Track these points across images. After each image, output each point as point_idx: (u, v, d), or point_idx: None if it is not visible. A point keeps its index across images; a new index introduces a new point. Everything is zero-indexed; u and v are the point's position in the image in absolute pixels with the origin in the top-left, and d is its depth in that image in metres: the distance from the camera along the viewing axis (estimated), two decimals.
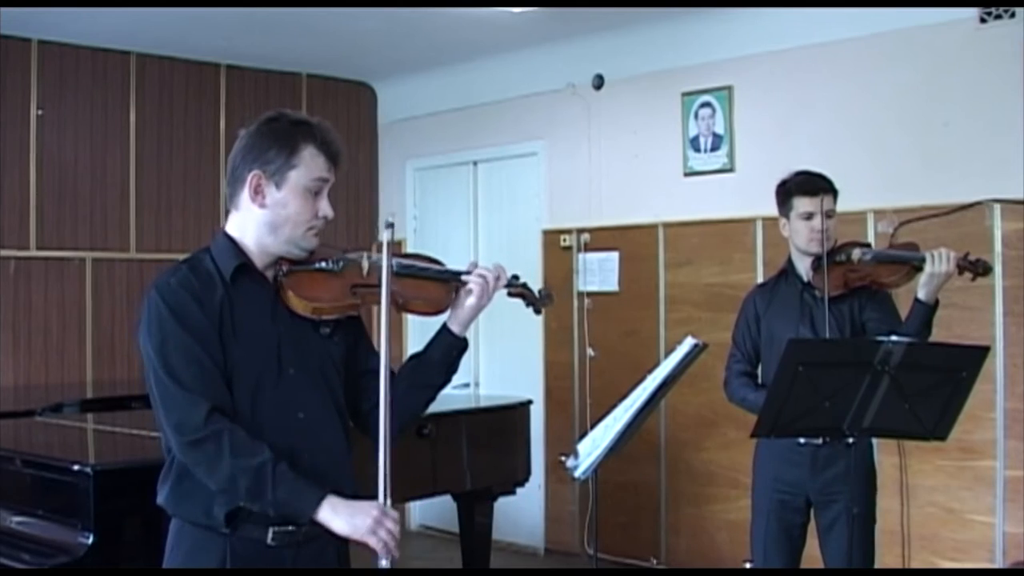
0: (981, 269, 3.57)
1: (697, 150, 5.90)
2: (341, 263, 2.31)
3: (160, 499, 2.26)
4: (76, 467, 3.36)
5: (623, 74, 6.18)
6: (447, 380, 2.42)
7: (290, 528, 2.21)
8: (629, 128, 6.20)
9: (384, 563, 2.11)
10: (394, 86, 7.36)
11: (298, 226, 2.24)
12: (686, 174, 5.95)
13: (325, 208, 2.27)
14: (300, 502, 2.12)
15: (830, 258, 3.52)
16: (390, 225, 2.20)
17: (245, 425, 2.17)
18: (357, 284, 2.29)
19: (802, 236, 3.59)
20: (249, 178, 2.24)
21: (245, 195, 2.25)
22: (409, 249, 6.70)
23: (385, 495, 2.11)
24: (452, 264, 2.48)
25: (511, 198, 6.88)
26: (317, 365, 2.28)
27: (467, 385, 6.74)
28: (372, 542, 2.11)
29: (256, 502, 2.12)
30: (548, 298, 2.59)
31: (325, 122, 2.31)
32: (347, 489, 2.31)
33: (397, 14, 5.68)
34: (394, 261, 2.30)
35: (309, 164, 2.24)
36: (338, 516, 2.12)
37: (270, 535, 2.20)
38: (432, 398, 2.41)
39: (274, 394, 2.21)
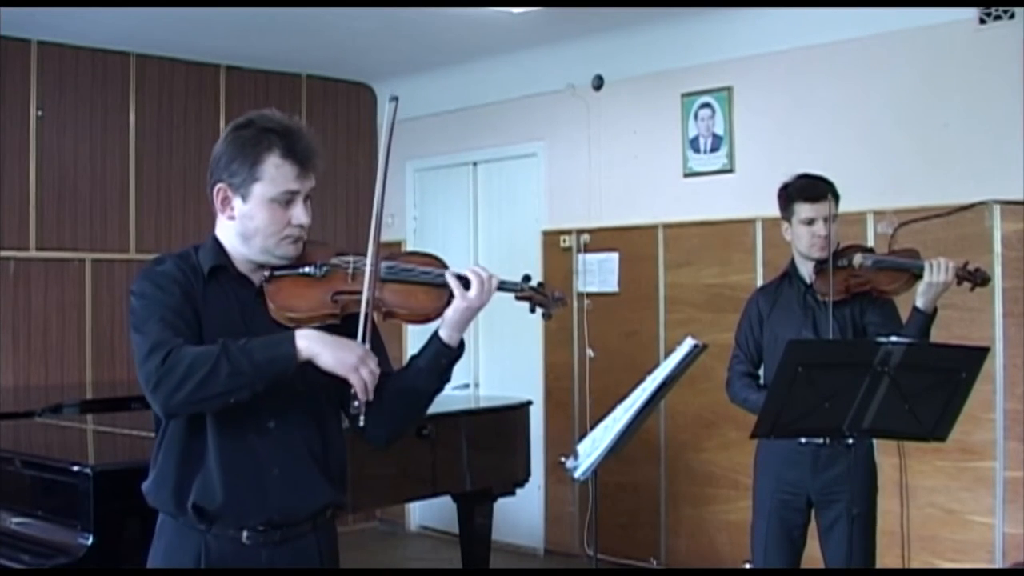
0: (980, 279, 3.57)
1: (697, 151, 5.90)
2: (325, 269, 2.24)
3: (144, 486, 2.27)
4: (76, 468, 3.36)
5: (623, 75, 6.18)
6: (439, 387, 2.32)
7: (265, 529, 2.21)
8: (629, 129, 6.20)
9: (359, 401, 2.11)
10: (394, 86, 7.33)
11: (269, 237, 2.20)
12: (686, 175, 5.94)
13: (299, 216, 2.20)
14: (277, 349, 2.06)
15: (832, 262, 3.52)
16: (394, 99, 2.22)
17: (210, 430, 2.17)
18: (339, 291, 2.22)
19: (804, 241, 3.58)
20: (215, 191, 2.22)
21: (216, 206, 2.24)
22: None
23: (364, 338, 2.13)
24: (452, 265, 2.35)
25: (511, 199, 6.88)
26: (295, 373, 2.14)
27: (467, 386, 6.74)
28: (354, 379, 2.08)
29: (242, 384, 2.04)
30: (559, 301, 2.39)
31: (297, 124, 2.23)
32: (322, 499, 2.27)
33: (397, 14, 5.68)
34: (381, 265, 2.23)
35: (274, 176, 2.17)
36: (325, 348, 2.07)
37: (244, 535, 2.20)
38: (427, 404, 2.34)
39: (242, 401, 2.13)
